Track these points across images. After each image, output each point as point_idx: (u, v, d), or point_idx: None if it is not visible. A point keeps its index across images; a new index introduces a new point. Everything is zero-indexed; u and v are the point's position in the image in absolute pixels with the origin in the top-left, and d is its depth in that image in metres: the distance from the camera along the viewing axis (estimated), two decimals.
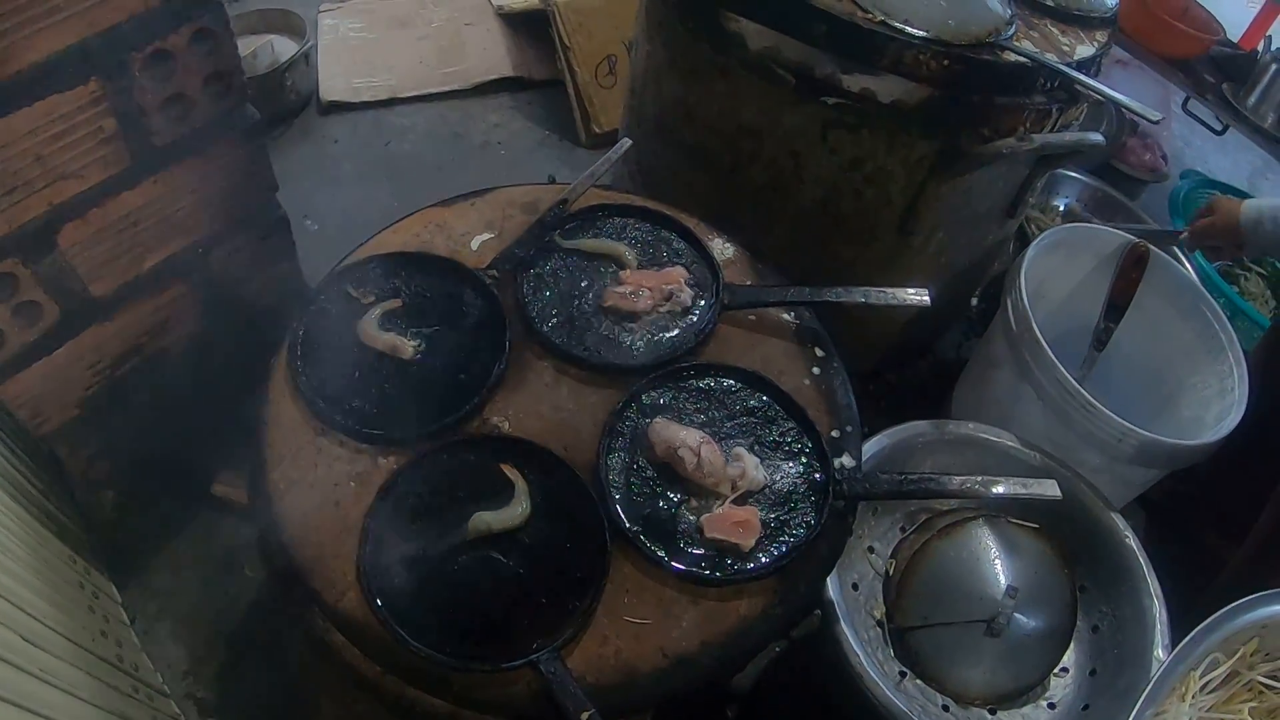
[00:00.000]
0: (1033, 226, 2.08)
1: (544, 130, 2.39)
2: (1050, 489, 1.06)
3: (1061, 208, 2.23)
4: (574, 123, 2.35)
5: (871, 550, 1.36)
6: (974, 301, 2.00)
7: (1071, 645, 1.30)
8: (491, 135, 2.35)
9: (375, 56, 2.46)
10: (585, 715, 0.83)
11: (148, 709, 1.26)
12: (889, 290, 1.17)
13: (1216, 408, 1.55)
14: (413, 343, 1.07)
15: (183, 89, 1.16)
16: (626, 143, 1.22)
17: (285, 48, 2.26)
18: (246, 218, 1.37)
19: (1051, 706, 1.29)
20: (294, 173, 1.59)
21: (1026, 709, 1.28)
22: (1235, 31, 2.52)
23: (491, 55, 2.49)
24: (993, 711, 1.27)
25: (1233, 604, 1.03)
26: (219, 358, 1.46)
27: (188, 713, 1.40)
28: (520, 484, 0.97)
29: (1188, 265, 2.00)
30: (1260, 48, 2.36)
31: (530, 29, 2.50)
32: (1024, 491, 1.06)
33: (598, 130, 2.33)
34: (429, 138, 2.32)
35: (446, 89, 2.42)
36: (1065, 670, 1.32)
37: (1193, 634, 1.00)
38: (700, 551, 0.97)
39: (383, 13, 2.57)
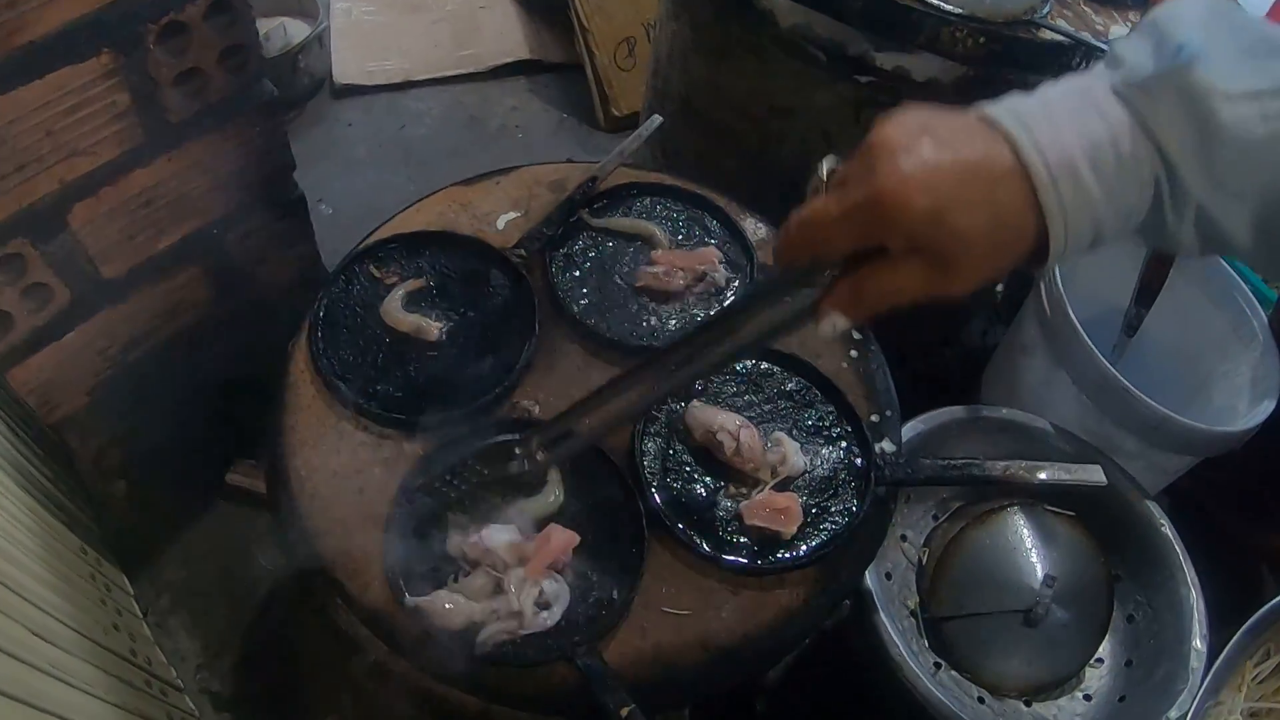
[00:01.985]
0: None
1: (561, 114, 2.36)
2: (1096, 475, 1.03)
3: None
4: (592, 106, 2.32)
5: (904, 539, 1.34)
6: (998, 288, 1.97)
7: (1107, 636, 1.27)
8: (508, 119, 2.33)
9: (389, 39, 2.43)
10: (625, 711, 0.80)
11: (162, 704, 1.24)
12: None
13: (1248, 396, 1.52)
14: (438, 324, 1.04)
15: (198, 63, 1.13)
16: (657, 119, 1.19)
17: (298, 30, 2.23)
18: (263, 197, 1.34)
19: (1088, 698, 1.27)
20: (308, 156, 1.58)
21: (1062, 700, 1.26)
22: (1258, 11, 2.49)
23: (507, 38, 2.46)
24: (1028, 703, 1.24)
25: None
26: (234, 343, 1.43)
27: (201, 707, 1.38)
28: (553, 470, 0.94)
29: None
30: None
31: (546, 11, 2.47)
32: (1068, 478, 1.03)
33: (617, 114, 2.30)
34: (445, 121, 2.30)
35: (462, 72, 2.39)
36: (1100, 661, 1.29)
37: (1247, 624, 0.98)
38: (740, 540, 0.95)
39: None
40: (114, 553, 1.45)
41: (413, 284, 1.07)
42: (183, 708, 1.32)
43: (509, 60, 2.43)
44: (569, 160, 2.18)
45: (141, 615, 1.43)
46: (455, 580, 0.88)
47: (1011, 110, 0.58)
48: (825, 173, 0.65)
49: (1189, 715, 0.83)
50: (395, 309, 1.05)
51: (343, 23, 2.44)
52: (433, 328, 1.04)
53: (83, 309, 1.20)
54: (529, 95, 2.40)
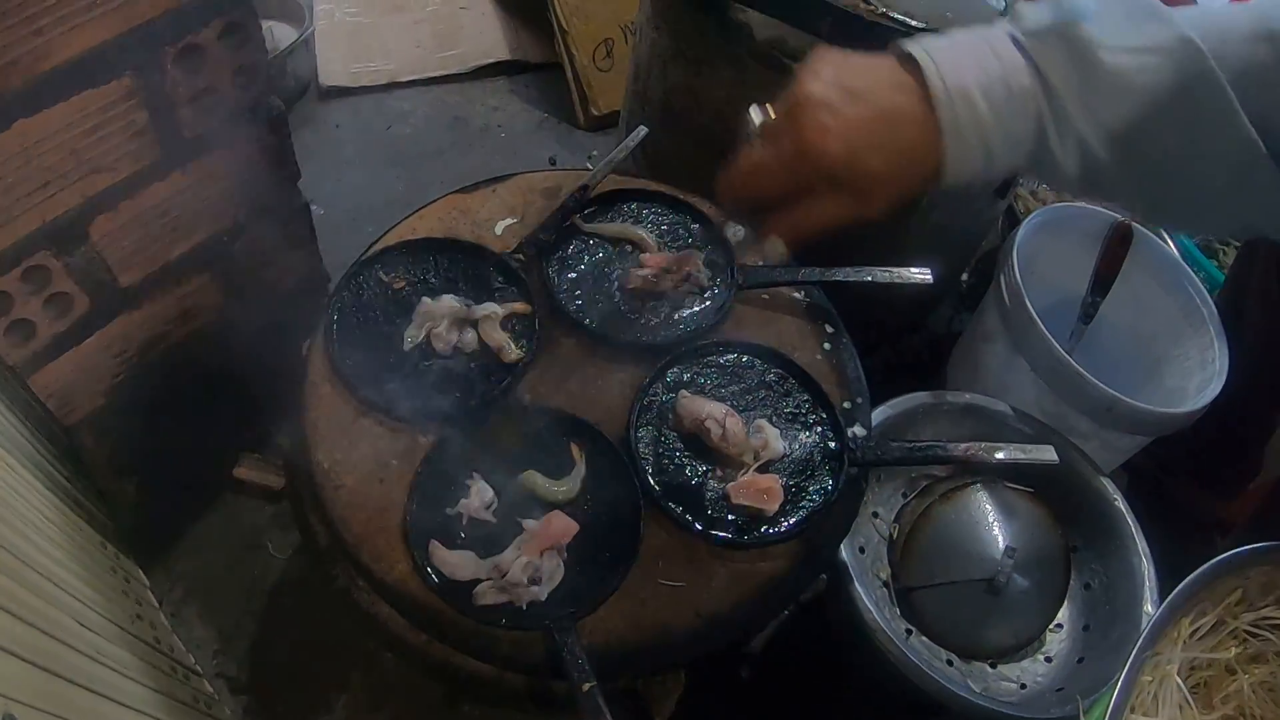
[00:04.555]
0: (1021, 205, 2.14)
1: (542, 113, 2.42)
2: (1048, 454, 1.12)
3: (1047, 185, 2.29)
4: (572, 105, 2.38)
5: (876, 515, 1.43)
6: (964, 277, 2.06)
7: (1066, 602, 1.36)
8: (491, 118, 2.38)
9: (372, 41, 2.47)
10: (586, 687, 0.88)
11: (186, 688, 1.31)
12: (894, 270, 1.23)
13: (1198, 378, 1.61)
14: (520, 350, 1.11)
15: (212, 82, 1.19)
16: (642, 130, 1.26)
17: (284, 34, 2.28)
18: (270, 206, 1.40)
19: (1048, 660, 1.36)
20: (298, 158, 1.62)
21: (1025, 662, 1.35)
22: None
23: (488, 38, 2.51)
24: (993, 665, 1.34)
25: (1218, 558, 1.11)
26: (240, 342, 1.49)
27: (219, 691, 1.45)
28: (580, 464, 1.03)
29: (1170, 243, 2.06)
30: None
31: (525, 11, 2.52)
32: (1024, 457, 1.12)
33: (596, 112, 2.36)
34: (430, 121, 2.34)
35: (445, 73, 2.44)
36: (1060, 626, 1.39)
37: (1183, 584, 1.07)
38: (728, 517, 1.03)
39: None
40: (129, 546, 1.50)
41: (518, 306, 1.14)
42: (204, 691, 1.39)
43: (490, 61, 2.47)
44: (552, 160, 2.25)
45: (158, 605, 1.49)
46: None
47: (922, 45, 0.70)
48: (754, 124, 0.77)
49: (1126, 664, 0.92)
50: (493, 329, 1.11)
51: (326, 25, 2.47)
52: (513, 350, 1.10)
53: (101, 316, 1.25)
54: (510, 95, 2.45)
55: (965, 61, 0.68)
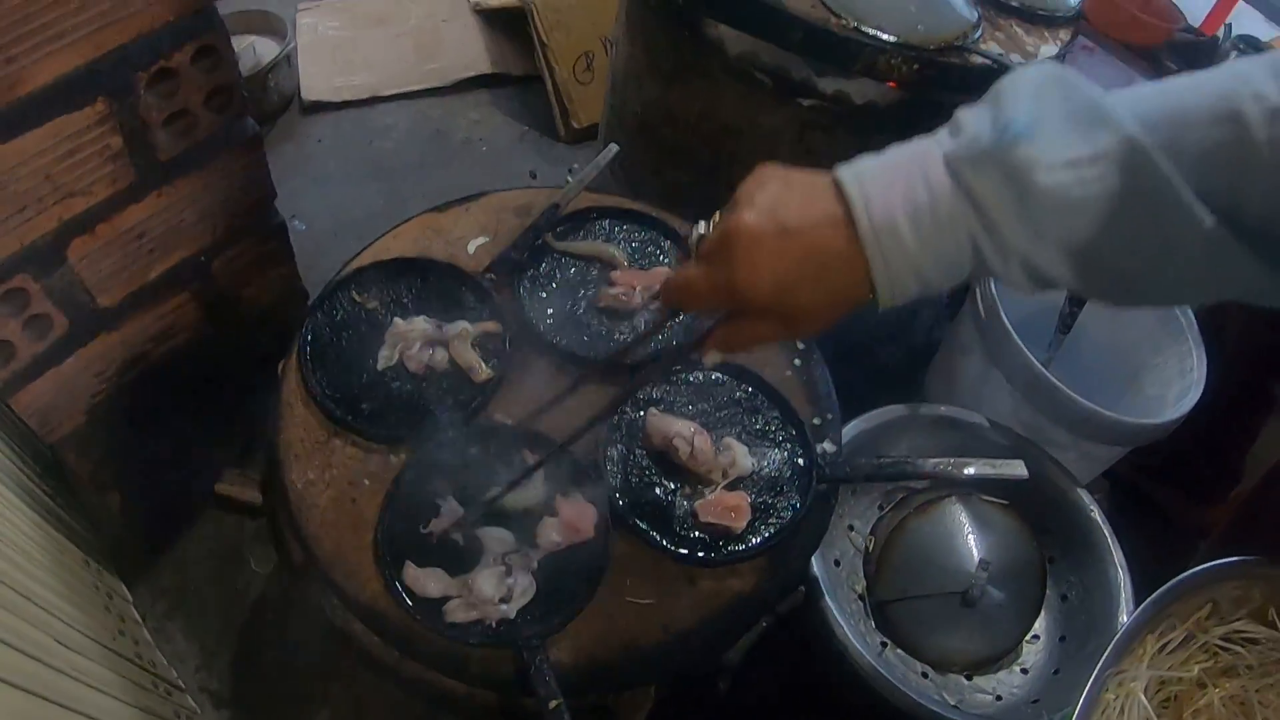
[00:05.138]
0: None
1: (523, 126, 2.43)
2: (1018, 469, 1.13)
3: None
4: (553, 118, 2.39)
5: (851, 528, 1.44)
6: None
7: (1042, 613, 1.38)
8: (472, 131, 2.39)
9: (355, 55, 2.49)
10: (554, 704, 0.89)
11: (169, 703, 1.32)
12: None
13: (1177, 386, 1.62)
14: (490, 370, 1.12)
15: (186, 104, 1.20)
16: (613, 148, 1.27)
17: (267, 49, 2.29)
18: (247, 226, 1.41)
19: (1024, 671, 1.37)
20: (280, 173, 1.62)
21: (1001, 674, 1.36)
22: (1196, 18, 2.58)
23: (469, 51, 2.52)
24: (969, 677, 1.35)
25: (1185, 573, 1.11)
26: (219, 359, 1.50)
27: (202, 705, 1.45)
28: (534, 468, 1.03)
29: None
30: (1220, 34, 2.43)
31: (506, 24, 2.53)
32: (993, 472, 1.13)
33: (576, 125, 2.37)
34: (411, 135, 2.36)
35: (426, 86, 2.45)
36: (1037, 637, 1.40)
37: (1148, 600, 1.08)
38: (696, 535, 1.04)
39: (360, 10, 2.60)
40: (111, 562, 1.51)
41: (487, 325, 1.15)
42: (186, 706, 1.39)
43: (472, 74, 2.49)
44: (533, 173, 2.26)
45: (140, 620, 1.50)
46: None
47: (855, 173, 0.70)
48: (696, 238, 0.81)
49: (1089, 682, 0.92)
50: (463, 348, 1.12)
51: (309, 39, 2.49)
52: (483, 369, 1.12)
53: (81, 336, 1.26)
54: (491, 108, 2.46)
55: (895, 189, 0.68)
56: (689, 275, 0.79)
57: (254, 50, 2.24)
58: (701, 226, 0.80)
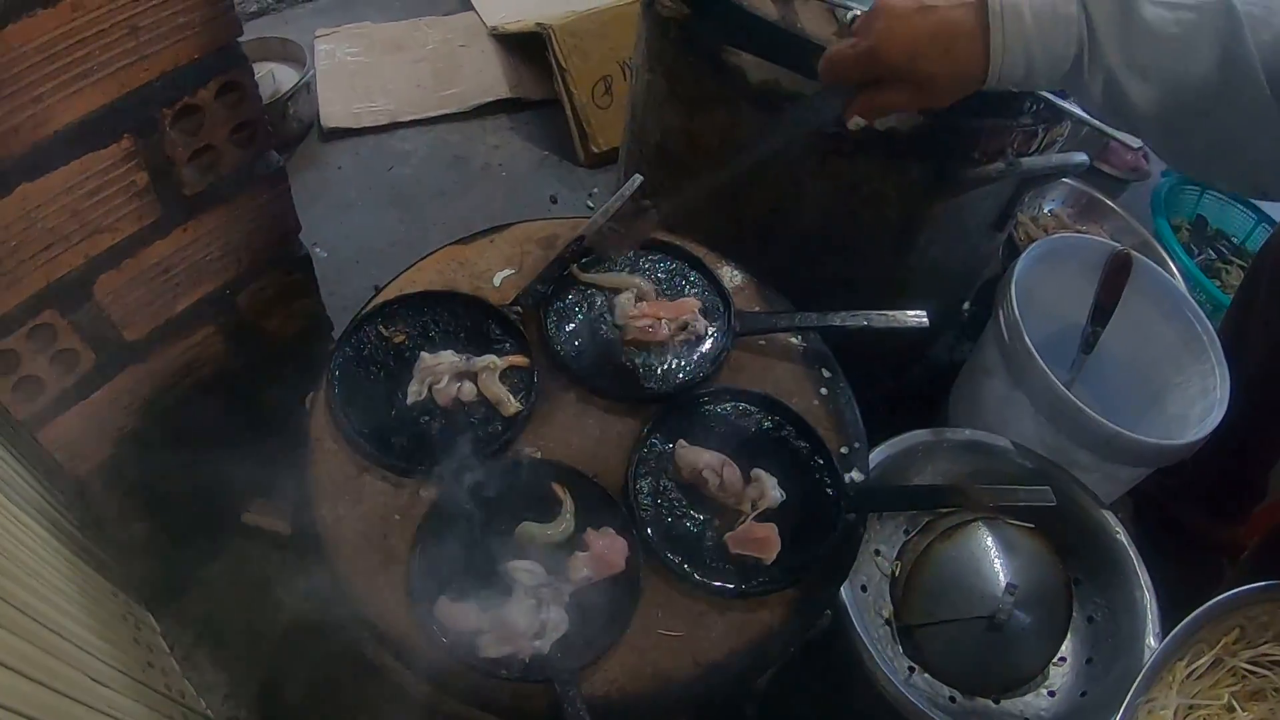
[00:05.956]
0: (1021, 233, 2.15)
1: (543, 150, 2.43)
2: (1045, 497, 1.13)
3: (1048, 210, 2.30)
4: (572, 143, 2.39)
5: (878, 553, 1.43)
6: (965, 306, 2.06)
7: (1068, 636, 1.37)
8: (492, 157, 2.40)
9: (373, 81, 2.50)
10: None
11: None
12: (890, 314, 1.24)
13: (1200, 405, 1.62)
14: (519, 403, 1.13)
15: (211, 140, 1.22)
16: (638, 178, 1.28)
17: (286, 76, 2.31)
18: (272, 258, 1.42)
19: (1052, 694, 1.37)
20: (300, 201, 1.63)
21: (1028, 697, 1.36)
22: None
23: (487, 76, 2.54)
24: (997, 700, 1.34)
25: (1214, 599, 1.11)
26: (245, 389, 1.51)
27: None
28: (568, 501, 1.04)
29: (1175, 270, 2.08)
30: None
31: (524, 49, 2.54)
32: (1021, 501, 1.13)
33: (596, 150, 2.38)
34: (430, 161, 2.37)
35: (445, 112, 2.47)
36: (1063, 660, 1.39)
37: (1177, 628, 1.08)
38: (726, 566, 1.04)
39: (378, 36, 2.61)
40: (139, 593, 1.52)
41: (517, 359, 1.16)
42: None
43: (490, 99, 2.50)
44: (553, 198, 2.27)
45: (169, 650, 1.50)
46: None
47: None
48: (850, 16, 1.08)
49: (1119, 714, 0.92)
50: (492, 382, 1.13)
51: (327, 65, 2.51)
52: (512, 403, 1.12)
53: (107, 370, 1.28)
54: (510, 133, 2.47)
55: None
56: (841, 47, 0.98)
57: (273, 77, 2.26)
58: (856, 8, 1.03)
